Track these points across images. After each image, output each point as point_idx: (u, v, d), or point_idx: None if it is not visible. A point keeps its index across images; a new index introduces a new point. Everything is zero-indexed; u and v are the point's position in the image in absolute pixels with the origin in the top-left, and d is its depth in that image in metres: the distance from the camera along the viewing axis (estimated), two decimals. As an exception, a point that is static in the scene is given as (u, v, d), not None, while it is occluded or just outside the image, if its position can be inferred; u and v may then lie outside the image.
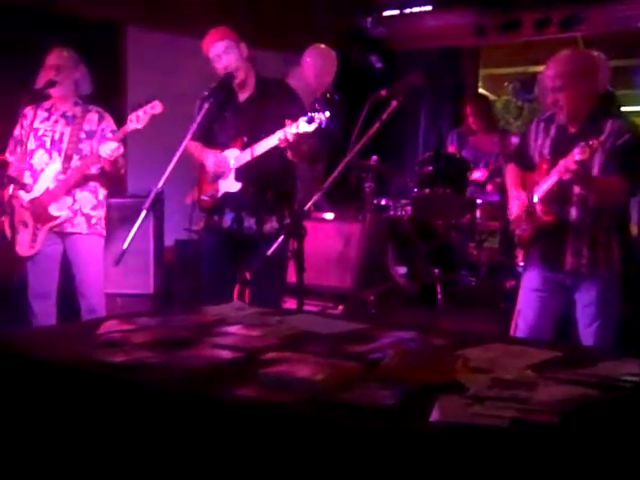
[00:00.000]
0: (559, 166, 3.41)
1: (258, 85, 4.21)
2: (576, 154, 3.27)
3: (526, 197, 3.68)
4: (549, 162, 3.58)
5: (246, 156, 4.02)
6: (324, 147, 4.12)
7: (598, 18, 7.27)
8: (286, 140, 3.81)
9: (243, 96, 4.21)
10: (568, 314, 3.75)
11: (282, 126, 3.85)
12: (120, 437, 2.11)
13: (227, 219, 4.19)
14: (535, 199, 3.61)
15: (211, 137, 4.25)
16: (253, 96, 4.20)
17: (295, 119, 3.81)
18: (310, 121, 3.70)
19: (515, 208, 3.74)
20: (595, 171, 3.49)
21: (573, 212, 3.57)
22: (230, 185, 4.11)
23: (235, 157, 4.09)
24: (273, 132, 3.93)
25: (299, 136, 3.77)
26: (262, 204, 4.12)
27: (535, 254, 3.72)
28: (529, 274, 3.79)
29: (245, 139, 4.05)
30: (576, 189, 3.53)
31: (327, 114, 3.72)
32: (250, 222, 4.14)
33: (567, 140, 3.53)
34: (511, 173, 3.92)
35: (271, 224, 4.12)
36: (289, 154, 4.00)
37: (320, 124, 3.71)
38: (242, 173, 4.08)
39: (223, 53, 4.10)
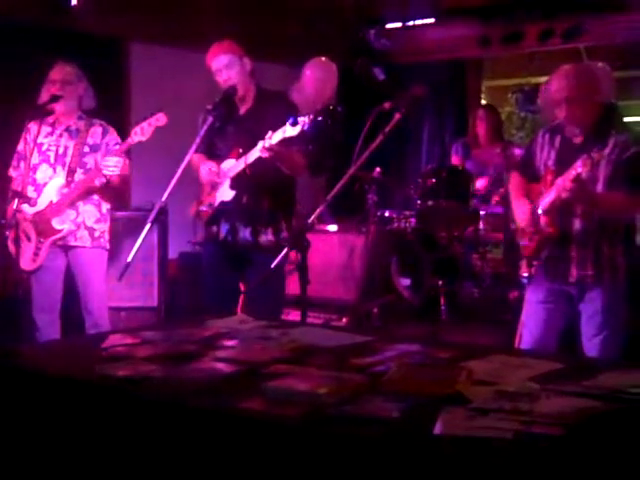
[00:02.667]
0: (557, 185, 3.42)
1: (257, 97, 4.22)
2: (577, 166, 3.28)
3: (531, 208, 3.68)
4: (554, 173, 3.58)
5: (240, 164, 4.03)
6: (325, 158, 4.11)
7: (601, 29, 7.28)
8: (270, 149, 3.80)
9: (243, 108, 4.22)
10: (572, 326, 3.74)
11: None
12: (125, 451, 2.11)
13: (223, 230, 4.20)
14: (539, 211, 3.62)
15: (213, 150, 4.27)
16: (252, 108, 4.21)
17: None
18: (294, 123, 3.69)
19: (520, 219, 3.74)
20: (600, 185, 3.48)
21: (577, 224, 3.57)
22: (225, 194, 4.12)
23: (230, 167, 4.10)
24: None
25: (285, 143, 3.77)
26: (257, 215, 4.12)
27: (540, 266, 3.71)
28: (533, 286, 3.78)
29: (240, 150, 4.06)
30: None
31: (311, 116, 3.71)
32: (245, 233, 4.14)
33: (572, 151, 3.53)
34: (515, 183, 3.92)
35: (266, 236, 4.11)
36: (282, 167, 3.98)
37: (303, 126, 3.69)
38: (236, 182, 4.09)
39: (224, 67, 4.11)
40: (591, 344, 3.60)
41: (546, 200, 3.57)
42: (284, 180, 4.14)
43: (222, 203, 4.16)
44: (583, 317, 3.65)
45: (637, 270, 3.70)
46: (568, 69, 3.58)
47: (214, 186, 4.17)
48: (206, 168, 4.15)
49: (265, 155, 3.84)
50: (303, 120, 3.68)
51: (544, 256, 3.68)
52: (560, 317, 3.72)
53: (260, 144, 3.84)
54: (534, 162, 3.79)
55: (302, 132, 3.71)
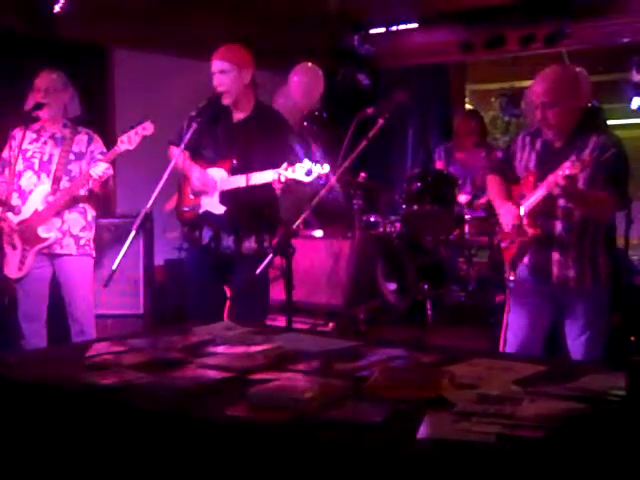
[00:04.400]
0: (548, 181, 3.43)
1: (255, 109, 4.20)
2: (566, 168, 3.30)
3: (517, 209, 3.69)
4: (535, 175, 3.62)
5: (239, 182, 4.01)
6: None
7: (583, 33, 7.33)
8: (279, 182, 3.82)
9: (238, 116, 4.19)
10: (557, 328, 3.76)
11: (271, 156, 3.87)
12: (110, 459, 2.12)
13: (206, 236, 4.19)
14: (522, 212, 3.64)
15: (200, 151, 4.23)
16: (248, 119, 4.18)
17: (289, 157, 3.86)
18: (308, 174, 3.72)
19: (506, 222, 3.75)
20: (580, 184, 3.51)
21: (558, 225, 3.60)
22: (214, 206, 4.10)
23: (222, 179, 4.08)
24: (262, 158, 3.95)
25: (293, 181, 3.79)
26: (241, 224, 4.12)
27: (523, 267, 3.73)
28: (517, 288, 3.80)
29: (234, 161, 4.05)
30: (561, 202, 3.56)
31: (327, 168, 3.73)
32: (228, 241, 4.13)
33: (552, 155, 3.57)
34: (496, 185, 3.93)
35: (249, 244, 4.11)
36: (278, 192, 3.96)
37: (319, 178, 3.74)
38: (227, 196, 4.08)
39: (219, 72, 4.09)
40: (575, 345, 3.63)
41: (530, 202, 3.60)
42: (268, 192, 4.10)
43: (207, 212, 4.16)
44: (567, 319, 3.68)
45: (619, 272, 3.72)
46: (547, 73, 3.61)
47: (201, 192, 4.15)
48: (199, 175, 4.12)
49: (276, 186, 3.86)
50: (318, 172, 3.71)
51: (528, 258, 3.70)
52: (544, 319, 3.75)
53: (270, 173, 3.84)
54: (514, 164, 3.82)
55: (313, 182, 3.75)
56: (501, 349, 3.96)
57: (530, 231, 3.62)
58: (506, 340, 3.89)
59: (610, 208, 3.58)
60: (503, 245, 3.77)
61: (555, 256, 3.61)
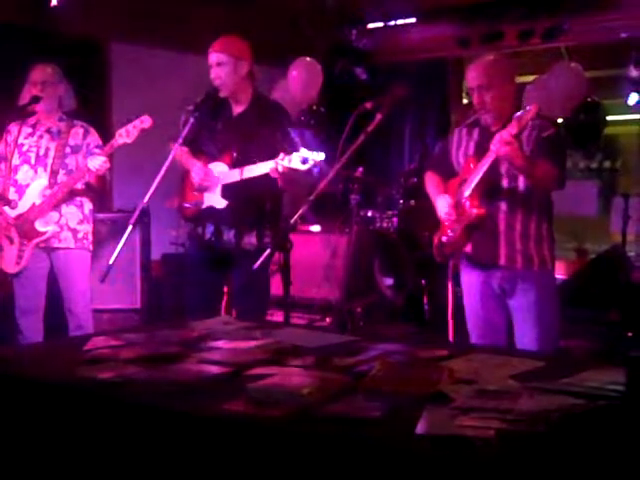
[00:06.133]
0: (494, 141, 3.41)
1: (254, 101, 4.18)
2: (511, 127, 3.33)
3: (451, 197, 3.69)
4: (475, 159, 3.63)
5: (235, 175, 4.01)
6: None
7: (581, 29, 7.32)
8: (277, 171, 3.81)
9: (237, 110, 4.18)
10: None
11: (272, 148, 3.87)
12: (108, 454, 2.11)
13: (208, 231, 4.18)
14: (466, 194, 3.60)
15: (200, 146, 4.22)
16: (247, 111, 4.16)
17: (287, 146, 3.84)
18: (304, 162, 3.71)
19: (442, 211, 3.72)
20: None
21: (503, 204, 3.60)
22: (216, 201, 4.09)
23: (222, 173, 4.07)
24: (262, 151, 3.94)
25: (290, 170, 3.78)
26: (242, 219, 4.11)
27: (469, 252, 3.71)
28: (467, 275, 3.79)
29: (234, 154, 4.04)
30: (504, 182, 3.57)
31: (322, 156, 3.73)
32: (229, 236, 4.12)
33: (490, 138, 3.53)
34: (431, 180, 3.95)
35: (249, 239, 4.10)
36: (279, 183, 3.95)
37: (314, 166, 3.73)
38: (228, 191, 4.08)
39: (215, 64, 4.07)
40: (525, 342, 3.56)
41: (474, 180, 3.58)
42: (270, 186, 4.09)
43: (210, 207, 4.16)
44: (515, 313, 3.65)
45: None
46: (481, 59, 3.68)
47: (203, 188, 4.14)
48: (200, 171, 4.10)
49: (275, 176, 3.85)
50: (314, 160, 3.71)
51: (473, 242, 3.68)
52: (498, 304, 3.69)
53: (269, 163, 3.83)
54: (449, 159, 3.84)
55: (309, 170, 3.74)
56: (451, 339, 3.89)
57: (474, 212, 3.58)
58: (470, 332, 3.84)
59: (553, 176, 3.54)
60: (444, 239, 3.73)
61: (501, 235, 3.60)
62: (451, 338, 3.88)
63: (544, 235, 3.63)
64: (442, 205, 3.74)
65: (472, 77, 3.64)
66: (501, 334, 3.71)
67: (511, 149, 3.35)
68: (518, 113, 3.38)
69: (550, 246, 3.64)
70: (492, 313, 3.71)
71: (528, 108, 3.37)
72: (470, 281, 3.78)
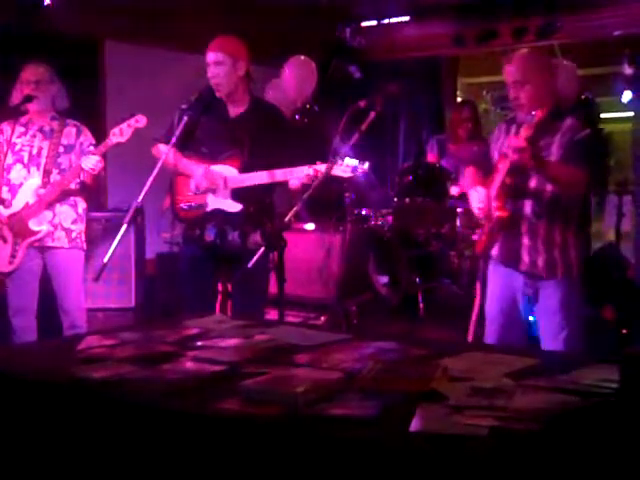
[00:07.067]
0: (507, 149, 3.38)
1: (252, 104, 4.17)
2: (522, 132, 3.29)
3: (486, 190, 3.62)
4: (504, 158, 3.55)
5: (258, 179, 3.98)
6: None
7: (575, 27, 7.34)
8: (315, 177, 3.80)
9: (234, 111, 4.16)
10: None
11: (273, 153, 3.87)
12: (102, 454, 2.11)
13: (210, 233, 4.15)
14: (493, 194, 3.55)
15: (191, 145, 4.18)
16: (246, 114, 4.15)
17: (290, 150, 3.90)
18: (354, 171, 3.74)
19: (477, 207, 3.66)
20: None
21: (527, 207, 3.53)
22: (225, 204, 4.06)
23: (232, 177, 4.05)
24: (266, 156, 3.95)
25: (326, 177, 3.77)
26: (246, 219, 4.10)
27: (494, 255, 3.67)
28: (492, 278, 3.73)
29: (245, 158, 4.02)
30: (532, 183, 3.50)
31: (366, 166, 3.76)
32: (234, 236, 4.11)
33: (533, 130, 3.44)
34: (468, 174, 3.89)
35: (255, 238, 4.10)
36: (312, 189, 3.86)
37: (360, 174, 3.75)
38: (241, 195, 4.05)
39: (212, 64, 4.06)
40: (553, 345, 3.52)
41: (496, 182, 3.53)
42: (267, 185, 4.09)
43: (217, 209, 4.11)
44: (540, 317, 3.60)
45: (609, 265, 3.67)
46: (519, 53, 3.61)
47: (206, 190, 4.12)
48: (204, 173, 4.07)
49: (307, 182, 3.85)
50: (362, 168, 3.73)
51: (498, 245, 3.63)
52: (518, 308, 3.65)
53: (305, 169, 3.84)
54: (490, 155, 3.77)
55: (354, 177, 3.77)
56: (470, 339, 3.88)
57: (496, 214, 3.53)
58: (486, 332, 3.81)
59: (579, 180, 3.47)
60: (475, 237, 3.72)
61: (524, 241, 3.54)
62: (470, 339, 3.86)
63: (571, 241, 3.54)
64: (473, 199, 3.68)
65: (508, 72, 3.56)
66: (517, 335, 3.65)
67: (522, 156, 3.29)
68: (528, 117, 3.34)
69: (578, 253, 3.55)
70: (511, 320, 3.65)
71: (533, 113, 3.32)
72: (494, 284, 3.72)
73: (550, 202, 3.49)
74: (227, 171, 4.06)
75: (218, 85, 4.06)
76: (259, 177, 4.00)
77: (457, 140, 6.96)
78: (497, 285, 3.70)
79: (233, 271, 4.18)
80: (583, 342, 3.58)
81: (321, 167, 3.77)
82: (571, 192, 3.52)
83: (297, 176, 3.88)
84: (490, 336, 3.72)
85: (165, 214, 4.35)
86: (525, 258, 3.54)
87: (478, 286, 3.84)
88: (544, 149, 3.45)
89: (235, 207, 4.06)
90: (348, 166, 3.75)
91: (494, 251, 3.66)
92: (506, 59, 3.61)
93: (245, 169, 4.03)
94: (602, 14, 7.24)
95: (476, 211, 3.68)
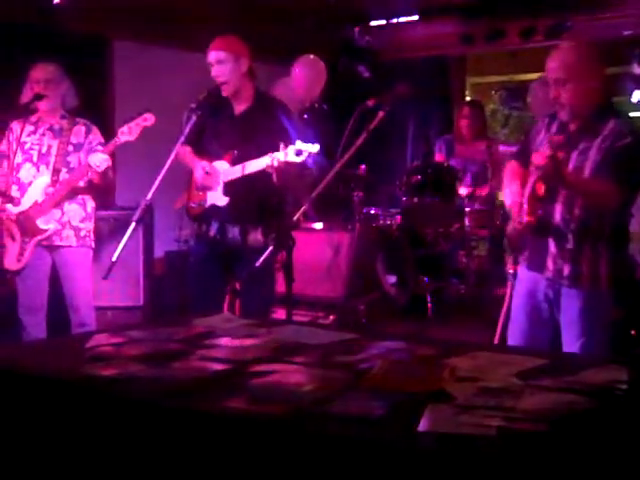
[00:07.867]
0: (532, 164, 3.25)
1: (256, 99, 4.18)
2: (542, 149, 3.20)
3: (521, 188, 3.45)
4: None
5: (236, 172, 4.01)
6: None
7: (583, 26, 7.31)
8: (272, 166, 3.81)
9: (239, 108, 4.18)
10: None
11: (274, 145, 3.86)
12: (110, 452, 2.11)
13: (213, 229, 4.19)
14: (525, 196, 3.40)
15: (202, 145, 4.22)
16: (249, 109, 4.17)
17: (282, 140, 3.83)
18: (298, 154, 3.70)
19: (510, 203, 3.50)
20: (587, 171, 3.28)
21: (557, 213, 3.36)
22: (218, 198, 4.10)
23: (224, 171, 4.08)
24: (265, 147, 3.93)
25: (285, 164, 3.77)
26: (246, 216, 4.11)
27: (523, 258, 3.56)
28: (520, 278, 3.62)
29: (236, 153, 4.04)
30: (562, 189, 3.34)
31: (316, 147, 3.71)
32: (234, 233, 4.13)
33: (566, 138, 3.32)
34: (509, 168, 3.67)
35: (255, 236, 4.10)
36: (274, 178, 3.92)
37: (308, 157, 3.72)
38: (230, 188, 4.07)
39: (216, 63, 4.08)
40: (572, 350, 3.40)
41: (529, 185, 3.38)
42: (260, 179, 4.08)
43: (213, 205, 4.15)
44: (562, 323, 3.46)
45: (628, 280, 3.52)
46: (562, 48, 3.39)
47: (206, 187, 4.14)
48: (202, 170, 4.11)
49: (270, 171, 3.84)
50: (308, 151, 3.70)
51: (528, 247, 3.51)
52: (543, 313, 3.52)
53: (265, 159, 3.83)
54: (530, 147, 3.55)
55: (304, 162, 3.73)
56: (496, 341, 3.84)
57: (525, 218, 3.35)
58: (509, 333, 3.75)
59: (610, 198, 3.24)
60: (508, 230, 3.55)
61: (550, 247, 3.39)
62: (496, 340, 3.81)
63: (603, 254, 3.33)
64: (506, 194, 3.54)
65: (549, 69, 3.34)
66: (541, 340, 3.51)
67: (544, 173, 3.16)
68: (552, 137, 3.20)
69: (610, 268, 3.33)
70: (535, 325, 3.53)
71: (554, 139, 3.19)
72: (520, 287, 3.60)
73: (580, 211, 3.32)
74: (221, 166, 4.09)
75: (224, 83, 4.07)
76: (234, 171, 4.03)
77: (461, 140, 6.96)
78: (523, 289, 3.59)
79: (236, 268, 4.18)
80: (605, 351, 3.40)
81: (279, 155, 3.76)
82: (601, 208, 3.33)
83: (260, 165, 3.87)
84: (513, 339, 3.62)
85: (180, 212, 4.39)
86: (550, 265, 3.40)
87: (508, 289, 3.74)
88: (582, 153, 3.29)
89: (223, 200, 4.09)
90: (294, 149, 3.71)
91: (523, 256, 3.57)
92: (549, 55, 3.38)
93: (235, 163, 4.05)
94: (612, 14, 7.22)
95: (510, 206, 3.52)
